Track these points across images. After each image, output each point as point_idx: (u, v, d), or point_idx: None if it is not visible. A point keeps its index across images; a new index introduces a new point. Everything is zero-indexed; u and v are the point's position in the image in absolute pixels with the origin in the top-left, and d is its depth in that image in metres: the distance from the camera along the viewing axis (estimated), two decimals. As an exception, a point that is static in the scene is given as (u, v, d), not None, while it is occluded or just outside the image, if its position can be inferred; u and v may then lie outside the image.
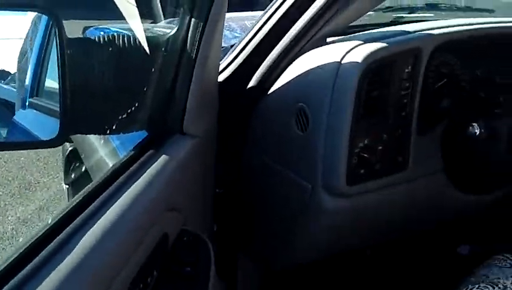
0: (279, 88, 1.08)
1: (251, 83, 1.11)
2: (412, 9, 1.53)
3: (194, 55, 0.85)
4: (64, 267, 0.56)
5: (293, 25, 1.03)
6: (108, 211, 0.69)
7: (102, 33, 1.75)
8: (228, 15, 1.72)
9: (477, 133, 1.11)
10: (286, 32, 1.04)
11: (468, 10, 1.62)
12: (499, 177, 1.17)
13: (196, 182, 0.97)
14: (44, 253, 0.58)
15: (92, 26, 1.85)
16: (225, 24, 1.60)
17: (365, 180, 1.06)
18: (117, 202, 0.71)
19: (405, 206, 1.19)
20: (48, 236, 0.60)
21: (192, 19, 0.84)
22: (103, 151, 1.18)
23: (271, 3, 1.09)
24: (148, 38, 0.87)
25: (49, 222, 0.67)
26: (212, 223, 1.14)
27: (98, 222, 0.66)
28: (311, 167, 1.04)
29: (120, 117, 0.86)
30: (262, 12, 1.11)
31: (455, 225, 1.35)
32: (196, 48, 0.85)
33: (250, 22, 1.55)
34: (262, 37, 1.07)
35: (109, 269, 0.63)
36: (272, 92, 1.09)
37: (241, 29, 1.64)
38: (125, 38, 0.85)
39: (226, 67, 1.12)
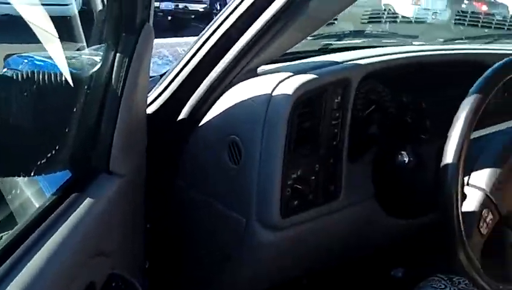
0: (210, 120, 1.06)
1: (181, 116, 1.09)
2: (339, 37, 1.55)
3: (119, 91, 0.82)
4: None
5: (224, 55, 1.01)
6: (31, 260, 0.66)
7: (25, 61, 1.67)
8: (159, 41, 1.69)
9: (406, 161, 1.13)
10: (217, 63, 1.02)
11: (393, 36, 1.67)
12: (426, 204, 1.20)
13: (125, 222, 0.93)
14: None
15: (14, 54, 1.77)
16: (156, 51, 1.57)
17: (299, 212, 1.05)
18: (41, 250, 0.67)
19: (340, 233, 1.19)
20: None
21: (117, 54, 0.81)
22: (29, 191, 1.11)
23: (204, 31, 1.07)
24: (72, 74, 0.83)
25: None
26: (143, 261, 1.10)
27: (21, 272, 0.63)
28: (245, 200, 1.02)
29: (42, 157, 0.82)
30: (195, 38, 1.09)
31: (389, 250, 1.36)
32: (122, 83, 0.82)
33: (182, 48, 1.53)
34: (192, 67, 1.04)
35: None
36: (202, 125, 1.07)
37: (173, 57, 1.61)
38: (47, 74, 0.81)
39: (155, 99, 1.09)
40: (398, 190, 1.20)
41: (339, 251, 1.23)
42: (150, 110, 1.07)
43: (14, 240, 0.69)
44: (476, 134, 1.07)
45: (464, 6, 14.18)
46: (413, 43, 1.66)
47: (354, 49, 1.36)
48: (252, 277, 1.15)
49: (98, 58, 0.84)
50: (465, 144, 0.96)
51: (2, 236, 0.86)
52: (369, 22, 1.77)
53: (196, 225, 1.13)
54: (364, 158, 1.19)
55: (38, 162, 0.80)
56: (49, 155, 0.80)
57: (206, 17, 9.58)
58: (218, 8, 11.56)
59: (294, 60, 1.23)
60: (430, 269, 1.24)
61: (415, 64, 1.27)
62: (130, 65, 0.80)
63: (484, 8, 15.21)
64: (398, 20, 2.11)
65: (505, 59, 1.04)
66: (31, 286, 0.63)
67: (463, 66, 1.32)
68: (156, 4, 8.52)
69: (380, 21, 1.90)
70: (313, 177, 1.07)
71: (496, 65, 1.02)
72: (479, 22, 2.77)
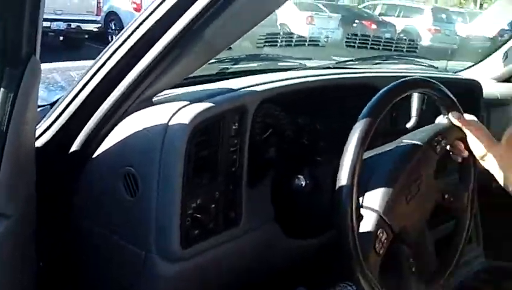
0: (104, 152, 1.03)
1: (73, 148, 1.04)
2: (236, 61, 1.57)
3: (4, 128, 0.77)
4: None
5: (119, 83, 0.98)
6: None
7: None
8: (51, 66, 1.61)
9: (303, 184, 1.16)
10: (111, 92, 0.99)
11: (287, 59, 1.71)
12: (325, 224, 1.22)
13: (15, 262, 0.88)
14: None
15: None
16: (48, 76, 1.50)
17: (200, 241, 1.04)
18: None
19: (242, 259, 1.19)
20: None
21: (1, 89, 0.76)
22: None
23: (98, 55, 1.04)
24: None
25: None
26: None
27: None
28: (143, 232, 1.00)
29: None
30: (89, 62, 1.05)
31: (291, 271, 1.38)
32: (7, 119, 0.77)
33: (76, 72, 1.47)
34: (85, 96, 1.00)
35: None
36: (96, 157, 1.04)
37: (66, 82, 1.54)
38: None
39: (45, 131, 1.04)
40: (296, 212, 1.22)
41: (242, 276, 1.23)
42: (39, 143, 1.02)
43: None
44: (367, 154, 1.11)
45: (354, 25, 14.89)
46: (308, 64, 1.72)
47: (251, 73, 1.38)
48: None
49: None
50: (357, 166, 1.00)
51: None
52: (264, 46, 1.81)
53: (93, 259, 1.09)
54: (263, 182, 1.21)
55: None
56: None
57: (100, 37, 9.38)
58: (113, 27, 11.37)
59: (191, 85, 1.23)
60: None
61: (309, 89, 1.31)
62: (16, 100, 0.76)
63: (373, 26, 16.02)
64: (292, 42, 2.17)
65: (392, 83, 1.09)
66: None
67: (354, 89, 1.38)
68: (47, 24, 8.22)
69: (275, 44, 1.95)
70: (213, 205, 1.06)
71: (383, 90, 1.07)
72: (368, 43, 2.95)
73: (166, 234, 0.98)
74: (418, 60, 2.17)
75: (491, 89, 1.88)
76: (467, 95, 1.65)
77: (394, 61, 2.16)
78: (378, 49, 2.72)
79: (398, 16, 16.85)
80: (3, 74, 0.76)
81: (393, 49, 2.61)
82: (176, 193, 0.97)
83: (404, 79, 1.13)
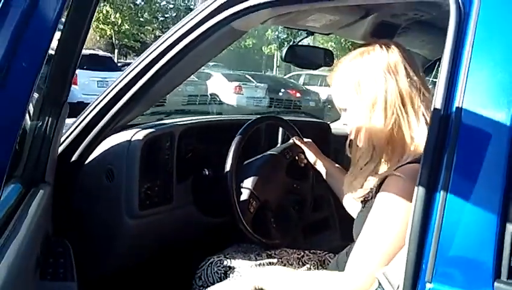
0: (94, 158, 1.80)
1: (74, 157, 1.80)
2: (168, 114, 2.40)
3: (52, 140, 1.54)
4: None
5: (103, 119, 1.74)
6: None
7: None
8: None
9: (207, 173, 1.98)
10: (98, 123, 1.75)
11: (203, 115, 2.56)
12: (225, 206, 1.98)
13: (48, 210, 1.62)
14: None
15: None
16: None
17: (150, 208, 1.83)
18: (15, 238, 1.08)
19: (175, 226, 1.97)
20: None
21: (50, 119, 1.54)
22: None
23: (90, 104, 1.77)
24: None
25: None
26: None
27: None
28: (118, 202, 1.78)
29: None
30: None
31: (207, 239, 2.13)
32: (53, 133, 1.54)
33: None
34: (83, 126, 1.73)
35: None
36: (89, 161, 1.81)
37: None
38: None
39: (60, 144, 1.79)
40: (207, 197, 2.02)
41: (173, 238, 2.00)
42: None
43: None
44: (248, 161, 1.95)
45: (280, 94, 15.64)
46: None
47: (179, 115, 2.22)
48: (127, 250, 1.87)
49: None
50: (234, 162, 1.81)
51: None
52: (188, 104, 2.63)
53: (92, 220, 1.84)
54: (186, 181, 2.02)
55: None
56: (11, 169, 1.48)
57: None
58: None
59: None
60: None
61: (208, 125, 2.16)
62: (57, 126, 1.53)
63: (298, 95, 16.84)
64: (207, 102, 3.02)
65: (257, 117, 1.96)
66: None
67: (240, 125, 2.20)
68: None
69: (194, 103, 2.79)
70: (156, 188, 1.86)
71: (251, 120, 1.92)
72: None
73: (131, 201, 1.77)
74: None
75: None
76: (321, 132, 2.55)
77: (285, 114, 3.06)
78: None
79: (320, 85, 18.13)
80: (51, 110, 1.54)
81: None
82: (135, 179, 1.77)
83: (263, 116, 2.00)
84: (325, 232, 2.46)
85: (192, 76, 14.56)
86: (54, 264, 1.40)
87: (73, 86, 11.34)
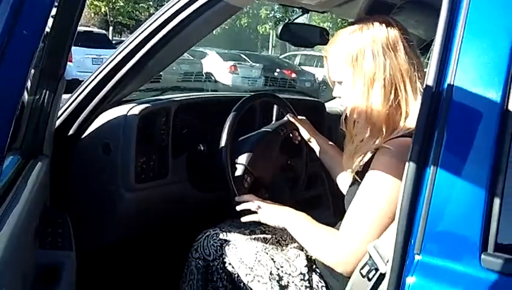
0: (91, 132, 1.83)
1: (71, 130, 1.83)
2: (163, 90, 2.41)
3: (49, 114, 1.56)
4: None
5: (99, 93, 1.76)
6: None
7: None
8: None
9: (202, 149, 2.00)
10: (95, 98, 1.78)
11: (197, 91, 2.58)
12: (220, 181, 2.01)
13: (46, 182, 1.64)
14: None
15: None
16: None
17: (145, 181, 1.86)
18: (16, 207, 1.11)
19: (169, 200, 2.01)
20: None
21: (47, 93, 1.56)
22: None
23: (89, 77, 1.78)
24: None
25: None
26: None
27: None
28: (114, 175, 1.81)
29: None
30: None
31: (201, 214, 2.17)
32: (51, 106, 1.56)
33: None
34: (80, 100, 1.76)
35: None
36: (86, 135, 1.83)
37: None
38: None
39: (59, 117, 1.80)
40: (201, 172, 2.05)
41: (169, 211, 2.04)
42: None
43: None
44: (243, 137, 1.98)
45: (276, 74, 15.64)
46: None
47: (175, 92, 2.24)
48: (124, 222, 1.90)
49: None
50: (228, 140, 1.82)
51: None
52: (183, 80, 2.64)
53: (89, 192, 1.86)
54: (181, 157, 2.04)
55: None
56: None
57: None
58: None
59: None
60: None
61: (203, 101, 2.18)
62: (53, 100, 1.55)
63: (293, 75, 16.82)
64: (202, 79, 3.05)
65: (252, 94, 1.98)
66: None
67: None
68: None
69: (190, 80, 2.81)
70: (152, 163, 1.89)
71: (243, 98, 1.94)
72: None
73: (127, 174, 1.79)
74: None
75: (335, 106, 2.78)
76: (316, 110, 2.57)
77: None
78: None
79: (316, 66, 18.09)
80: (48, 85, 1.56)
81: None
82: (131, 152, 1.79)
83: (258, 93, 2.02)
84: (318, 209, 2.50)
85: (186, 54, 14.58)
86: (53, 234, 1.43)
87: (68, 63, 11.28)
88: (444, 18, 1.10)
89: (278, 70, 16.29)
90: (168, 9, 1.58)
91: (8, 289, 0.86)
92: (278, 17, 32.05)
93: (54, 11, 1.51)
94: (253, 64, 16.02)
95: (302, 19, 2.17)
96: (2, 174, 1.29)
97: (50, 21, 1.54)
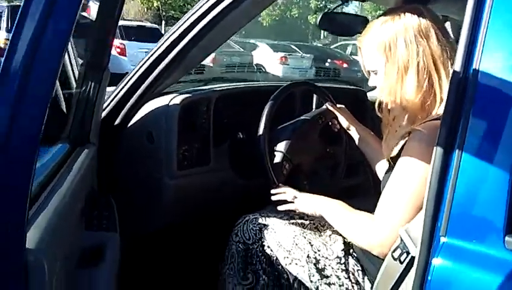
0: (135, 122, 1.90)
1: (117, 120, 1.91)
2: (206, 81, 2.48)
3: (95, 103, 1.65)
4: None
5: (142, 85, 1.84)
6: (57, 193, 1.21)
7: None
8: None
9: (241, 137, 2.06)
10: (138, 89, 1.85)
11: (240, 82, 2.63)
12: (260, 168, 2.05)
13: (93, 168, 1.73)
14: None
15: None
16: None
17: (187, 168, 1.93)
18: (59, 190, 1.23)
19: (210, 187, 2.07)
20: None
21: (93, 84, 1.64)
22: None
23: (133, 70, 1.86)
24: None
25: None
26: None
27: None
28: (158, 162, 1.88)
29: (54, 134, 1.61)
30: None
31: (242, 201, 2.22)
32: (96, 97, 1.65)
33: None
34: (124, 91, 1.84)
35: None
36: (131, 125, 1.91)
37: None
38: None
39: (104, 110, 1.90)
40: (242, 160, 2.10)
41: (211, 198, 2.10)
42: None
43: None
44: (283, 124, 2.02)
45: (327, 64, 15.47)
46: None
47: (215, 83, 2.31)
48: (168, 209, 1.98)
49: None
50: (266, 128, 1.86)
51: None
52: (226, 72, 2.70)
53: (134, 179, 1.95)
54: (223, 145, 2.10)
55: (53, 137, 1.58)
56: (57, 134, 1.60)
57: None
58: None
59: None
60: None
61: (243, 91, 2.23)
62: (99, 91, 1.64)
63: (345, 65, 16.59)
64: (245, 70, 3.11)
65: (290, 83, 2.01)
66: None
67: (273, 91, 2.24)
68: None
69: (233, 71, 2.87)
70: (194, 151, 1.95)
71: (281, 87, 1.97)
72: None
73: (170, 162, 1.87)
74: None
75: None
76: (358, 99, 2.59)
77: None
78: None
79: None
80: (93, 76, 1.64)
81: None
82: (173, 141, 1.86)
83: (296, 82, 2.06)
84: (359, 197, 2.51)
85: (237, 46, 14.70)
86: (99, 216, 1.53)
87: (122, 56, 11.72)
88: (471, 3, 1.11)
89: (328, 60, 16.15)
90: (207, 1, 1.63)
91: (48, 265, 0.93)
92: (328, 7, 31.73)
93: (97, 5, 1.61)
94: (304, 54, 15.94)
95: (355, 10, 2.19)
96: (50, 161, 1.41)
97: (94, 12, 1.62)
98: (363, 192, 2.56)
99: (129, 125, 1.91)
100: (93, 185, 1.63)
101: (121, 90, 1.85)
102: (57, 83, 1.70)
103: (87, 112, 1.65)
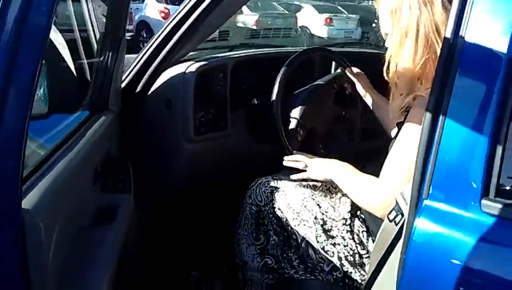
0: (155, 90, 1.98)
1: (138, 88, 2.00)
2: (231, 47, 2.53)
3: (113, 73, 1.74)
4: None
5: (161, 52, 1.92)
6: (70, 153, 1.31)
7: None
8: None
9: (256, 102, 2.11)
10: (157, 58, 1.93)
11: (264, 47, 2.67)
12: (275, 134, 2.05)
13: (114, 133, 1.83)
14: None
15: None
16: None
17: (204, 133, 2.00)
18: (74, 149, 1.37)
19: (226, 151, 2.13)
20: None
21: (110, 53, 1.73)
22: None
23: (152, 39, 1.96)
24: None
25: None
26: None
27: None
28: (175, 128, 1.97)
29: (74, 100, 1.71)
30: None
31: (259, 164, 2.29)
32: (114, 65, 1.73)
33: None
34: (144, 60, 1.92)
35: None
36: (151, 92, 1.99)
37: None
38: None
39: (125, 79, 2.00)
40: (259, 124, 2.16)
41: (227, 162, 2.17)
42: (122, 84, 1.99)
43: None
44: (297, 91, 2.07)
45: (373, 25, 15.20)
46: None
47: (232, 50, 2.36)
48: (186, 172, 2.07)
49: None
50: (279, 94, 1.93)
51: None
52: (251, 37, 2.74)
53: (153, 143, 2.03)
54: (239, 110, 2.16)
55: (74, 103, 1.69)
56: (78, 100, 1.70)
57: (132, 45, 10.06)
58: (144, 35, 12.08)
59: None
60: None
61: (261, 57, 2.27)
62: (117, 59, 1.72)
63: None
64: (270, 35, 3.12)
65: (301, 50, 2.05)
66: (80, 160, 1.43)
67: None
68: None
69: (258, 36, 2.90)
70: (210, 116, 2.02)
71: (295, 54, 2.01)
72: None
73: (187, 127, 1.95)
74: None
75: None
76: (376, 63, 2.58)
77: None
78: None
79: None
80: (110, 46, 1.73)
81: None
82: (189, 107, 1.93)
83: (310, 48, 2.09)
84: (376, 161, 2.54)
85: (281, 8, 14.53)
86: (115, 179, 1.63)
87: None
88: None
89: (375, 21, 15.69)
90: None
91: (45, 225, 1.00)
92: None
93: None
94: (350, 15, 15.58)
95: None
96: (68, 126, 1.51)
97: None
98: (378, 157, 2.58)
99: (149, 92, 1.99)
100: (111, 150, 1.73)
101: (141, 59, 1.93)
102: (82, 52, 1.81)
103: (105, 80, 1.74)
